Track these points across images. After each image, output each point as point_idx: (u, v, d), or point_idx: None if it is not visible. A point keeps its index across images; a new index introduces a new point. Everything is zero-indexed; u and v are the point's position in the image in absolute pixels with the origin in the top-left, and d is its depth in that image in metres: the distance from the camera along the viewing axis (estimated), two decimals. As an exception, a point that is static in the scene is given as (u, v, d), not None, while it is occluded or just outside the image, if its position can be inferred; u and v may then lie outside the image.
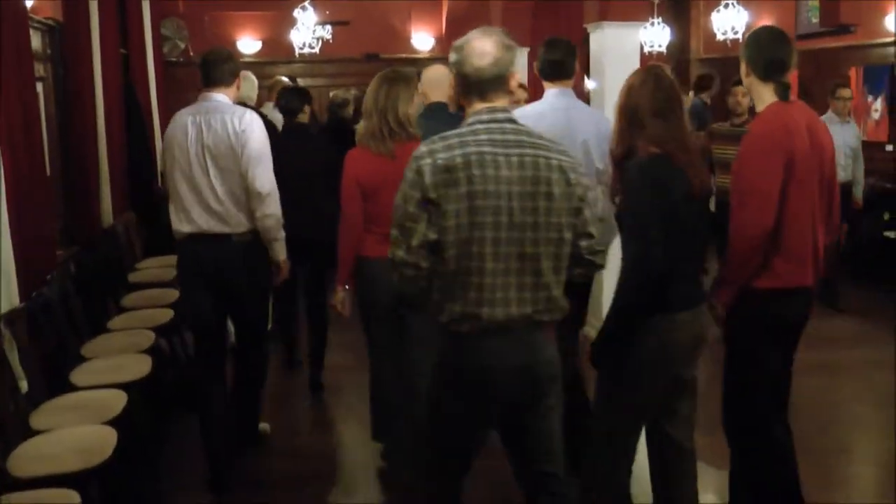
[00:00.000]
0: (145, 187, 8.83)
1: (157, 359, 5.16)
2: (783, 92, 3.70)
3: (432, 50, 13.24)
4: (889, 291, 8.36)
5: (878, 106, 9.92)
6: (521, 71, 11.08)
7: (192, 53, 12.39)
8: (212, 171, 4.59)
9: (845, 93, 8.30)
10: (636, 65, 6.97)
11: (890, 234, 8.84)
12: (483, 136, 3.01)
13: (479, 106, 3.09)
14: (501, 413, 3.17)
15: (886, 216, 9.06)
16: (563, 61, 4.61)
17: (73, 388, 4.61)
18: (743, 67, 3.81)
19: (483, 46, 3.05)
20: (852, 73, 10.34)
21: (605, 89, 6.91)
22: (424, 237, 2.97)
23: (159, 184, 9.23)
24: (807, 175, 3.64)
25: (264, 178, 4.63)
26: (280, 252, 4.85)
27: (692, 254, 3.56)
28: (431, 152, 2.99)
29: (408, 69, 4.85)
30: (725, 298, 3.79)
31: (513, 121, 3.09)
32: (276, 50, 12.83)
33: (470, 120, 3.09)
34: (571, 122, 4.46)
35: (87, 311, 5.75)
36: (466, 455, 3.29)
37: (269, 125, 5.49)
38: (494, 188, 2.94)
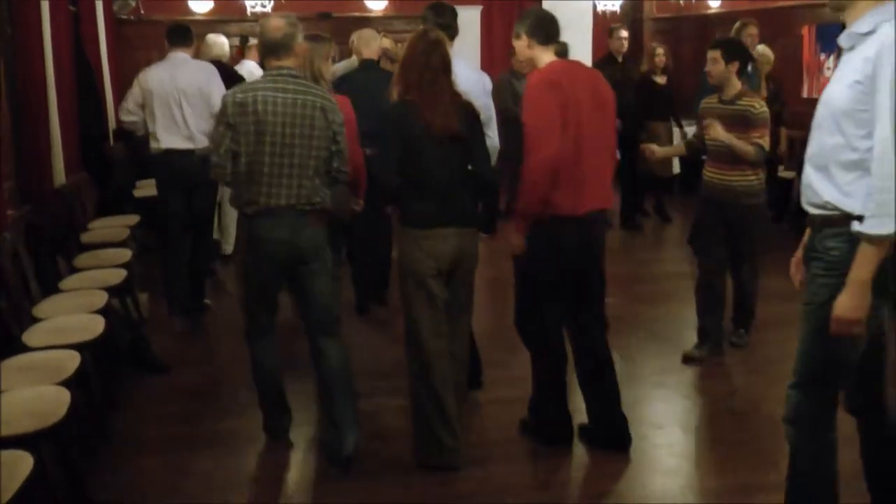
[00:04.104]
0: (97, 147, 8.72)
1: (109, 319, 5.15)
2: (563, 51, 4.41)
3: (385, 9, 12.94)
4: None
5: (830, 64, 10.02)
6: (474, 29, 11.01)
7: (142, 12, 12.15)
8: (184, 106, 6.62)
9: None
10: (589, 25, 6.96)
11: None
12: (269, 84, 4.40)
13: (274, 64, 4.45)
14: (278, 271, 4.51)
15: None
16: (451, 25, 5.06)
17: (26, 349, 4.59)
18: (524, 40, 4.46)
19: (276, 23, 4.45)
20: (805, 31, 10.43)
21: (559, 48, 6.87)
22: (227, 148, 4.37)
23: (111, 143, 9.14)
24: (581, 118, 4.29)
25: None
26: None
27: (450, 184, 4.33)
28: (234, 92, 4.42)
29: (324, 34, 5.43)
30: (520, 228, 4.46)
31: (294, 75, 4.46)
32: (228, 9, 12.56)
33: (265, 73, 4.52)
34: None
35: (38, 271, 5.70)
36: (272, 300, 4.68)
37: (238, 77, 7.45)
38: (272, 118, 4.32)
